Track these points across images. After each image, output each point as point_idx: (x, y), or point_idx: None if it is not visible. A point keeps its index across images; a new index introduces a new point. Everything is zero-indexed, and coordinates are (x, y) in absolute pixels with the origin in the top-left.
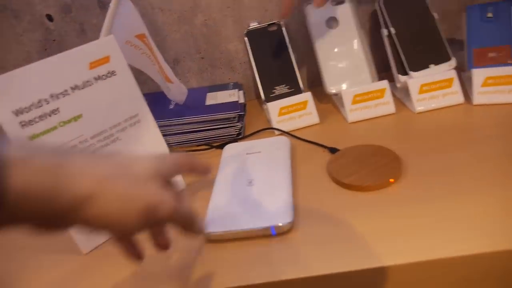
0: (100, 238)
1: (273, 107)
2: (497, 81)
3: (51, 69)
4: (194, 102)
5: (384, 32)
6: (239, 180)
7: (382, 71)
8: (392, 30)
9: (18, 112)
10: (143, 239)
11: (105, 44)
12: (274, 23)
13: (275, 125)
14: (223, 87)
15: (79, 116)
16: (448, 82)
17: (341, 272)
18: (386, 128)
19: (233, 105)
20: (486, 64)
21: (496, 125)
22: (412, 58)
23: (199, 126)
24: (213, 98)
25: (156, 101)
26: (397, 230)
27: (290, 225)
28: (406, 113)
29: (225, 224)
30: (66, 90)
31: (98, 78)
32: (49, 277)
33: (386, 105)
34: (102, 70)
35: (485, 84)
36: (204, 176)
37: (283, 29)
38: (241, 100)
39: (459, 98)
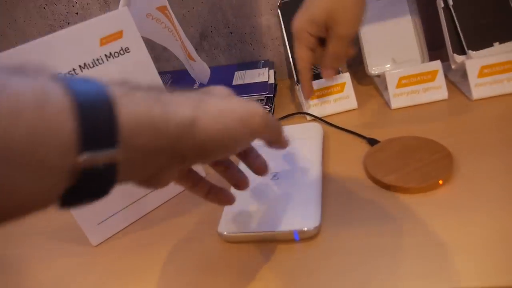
0: (110, 231)
1: None
2: None
3: (57, 45)
4: (221, 82)
5: (440, 3)
6: None
7: (434, 49)
8: (450, 1)
9: None
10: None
11: (118, 17)
12: None
13: (307, 110)
14: (252, 65)
15: None
16: None
17: None
18: (437, 117)
19: (261, 86)
20: None
21: None
22: (472, 35)
23: None
24: (241, 78)
25: (180, 80)
26: (448, 244)
27: (317, 230)
28: (461, 100)
29: (243, 224)
30: (74, 69)
31: (109, 55)
32: (57, 268)
33: (438, 90)
34: (114, 46)
35: None
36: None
37: None
38: (271, 80)
39: None
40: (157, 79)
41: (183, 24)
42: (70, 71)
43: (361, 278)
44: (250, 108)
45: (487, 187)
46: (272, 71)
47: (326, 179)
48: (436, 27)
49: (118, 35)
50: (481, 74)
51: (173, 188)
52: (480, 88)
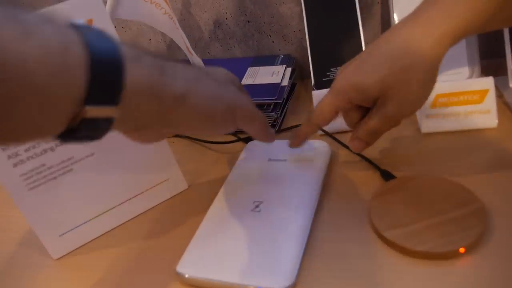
0: (71, 244)
1: (320, 97)
2: None
3: None
4: None
5: None
6: (244, 200)
7: (490, 57)
8: None
9: None
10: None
11: (86, 4)
12: None
13: None
14: (269, 60)
15: None
16: None
17: None
18: (477, 152)
19: (271, 89)
20: None
21: None
22: None
23: None
24: (252, 76)
25: None
26: None
27: None
28: None
29: (204, 267)
30: None
31: None
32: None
33: (485, 115)
34: None
35: None
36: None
37: None
38: (285, 82)
39: None
40: None
41: (196, 8)
42: None
43: None
44: (238, 99)
45: None
46: (289, 70)
47: (318, 219)
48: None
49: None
50: None
51: (144, 202)
52: None
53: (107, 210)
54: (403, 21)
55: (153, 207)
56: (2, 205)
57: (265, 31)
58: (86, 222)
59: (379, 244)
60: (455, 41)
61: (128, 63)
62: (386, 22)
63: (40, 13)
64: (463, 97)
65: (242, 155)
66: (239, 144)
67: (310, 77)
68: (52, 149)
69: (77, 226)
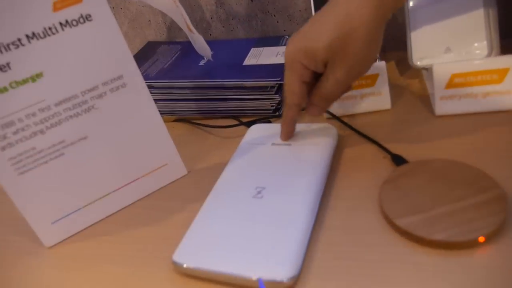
0: (64, 232)
1: None
2: None
3: None
4: (231, 59)
5: None
6: (246, 186)
7: (506, 37)
8: None
9: None
10: None
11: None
12: None
13: None
14: (274, 41)
15: (38, 75)
16: None
17: None
18: (495, 136)
19: (275, 70)
20: None
21: None
22: None
23: (228, 93)
24: (255, 56)
25: (190, 52)
26: None
27: (291, 282)
28: None
29: (202, 256)
30: (19, 39)
31: (66, 24)
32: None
33: (504, 97)
34: (72, 12)
35: None
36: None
37: None
38: None
39: None
40: (127, 57)
41: None
42: (14, 41)
43: None
44: None
45: None
46: None
47: (324, 206)
48: None
49: None
50: None
51: (141, 188)
52: None
53: (102, 197)
54: None
55: (150, 194)
56: None
57: (269, 10)
58: (79, 209)
59: (391, 232)
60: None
61: None
62: None
63: None
64: (481, 77)
65: (244, 139)
66: (241, 128)
67: None
68: (42, 132)
69: (70, 213)
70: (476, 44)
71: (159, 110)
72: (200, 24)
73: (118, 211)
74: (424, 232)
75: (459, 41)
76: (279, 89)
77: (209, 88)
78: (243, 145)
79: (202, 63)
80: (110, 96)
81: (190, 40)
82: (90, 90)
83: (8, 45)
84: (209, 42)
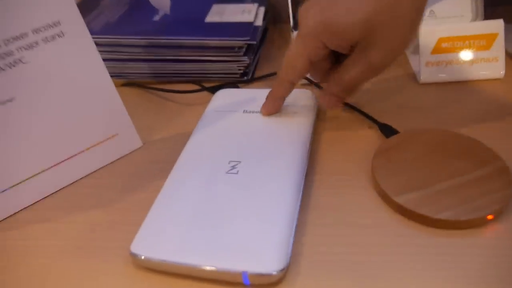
0: (15, 204)
1: None
2: None
3: None
4: (190, 15)
5: None
6: (217, 159)
7: (495, 4)
8: None
9: None
10: None
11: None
12: None
13: None
14: None
15: None
16: None
17: None
18: (486, 106)
19: (243, 28)
20: None
21: None
22: None
23: (188, 53)
24: (219, 13)
25: (140, 7)
26: None
27: (280, 274)
28: None
29: (165, 246)
30: None
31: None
32: None
33: (491, 64)
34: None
35: None
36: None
37: None
38: (258, 22)
39: None
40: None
41: None
42: None
43: None
44: None
45: None
46: (262, 9)
47: (308, 183)
48: None
49: None
50: None
51: (87, 163)
52: None
53: (35, 174)
54: None
55: (99, 169)
56: None
57: None
58: (4, 191)
59: (388, 211)
60: None
61: None
62: None
63: None
64: (469, 42)
65: (210, 106)
66: (204, 94)
67: (285, 21)
68: None
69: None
70: (460, 9)
71: None
72: None
73: (58, 191)
74: (427, 211)
75: (443, 5)
76: (248, 50)
77: (165, 47)
78: (209, 113)
79: (157, 17)
80: (44, 48)
81: None
82: (16, 39)
83: None
84: None
